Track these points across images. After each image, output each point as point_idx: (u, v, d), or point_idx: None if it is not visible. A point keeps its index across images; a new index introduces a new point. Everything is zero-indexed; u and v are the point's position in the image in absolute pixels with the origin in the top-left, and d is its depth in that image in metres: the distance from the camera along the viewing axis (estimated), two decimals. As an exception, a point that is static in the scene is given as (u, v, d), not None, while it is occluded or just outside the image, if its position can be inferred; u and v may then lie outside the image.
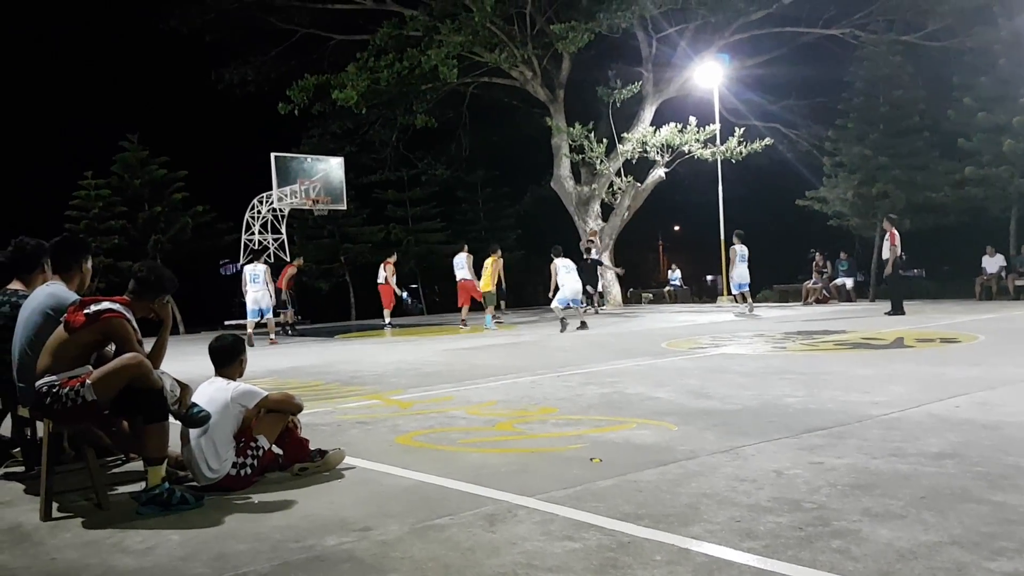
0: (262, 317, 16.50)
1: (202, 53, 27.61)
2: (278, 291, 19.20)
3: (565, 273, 15.05)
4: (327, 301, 31.52)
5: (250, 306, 16.34)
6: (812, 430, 5.10)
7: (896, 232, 15.77)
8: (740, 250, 18.80)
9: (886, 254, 15.97)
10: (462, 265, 18.82)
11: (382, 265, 20.26)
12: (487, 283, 17.90)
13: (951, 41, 22.57)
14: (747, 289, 18.86)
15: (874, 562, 2.86)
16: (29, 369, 4.20)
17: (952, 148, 22.56)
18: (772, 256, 38.91)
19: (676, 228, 49.98)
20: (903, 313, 15.42)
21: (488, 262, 17.89)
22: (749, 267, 18.88)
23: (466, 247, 19.59)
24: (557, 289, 15.11)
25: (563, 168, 25.19)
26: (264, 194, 24.08)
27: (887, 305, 16.12)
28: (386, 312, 20.49)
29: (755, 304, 20.57)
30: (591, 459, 4.61)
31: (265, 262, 18.07)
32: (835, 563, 2.87)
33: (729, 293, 25.91)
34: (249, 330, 16.19)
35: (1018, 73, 21.12)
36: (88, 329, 4.04)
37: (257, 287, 16.39)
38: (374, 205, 33.00)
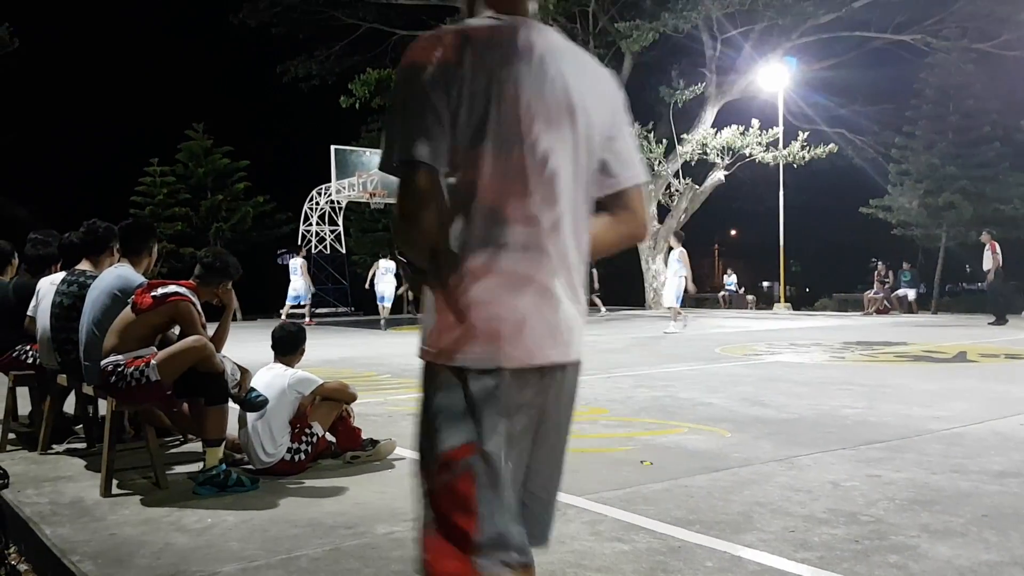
0: (299, 304, 18.99)
1: (269, 46, 28.12)
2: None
3: (381, 275, 16.73)
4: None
5: (290, 293, 19.04)
6: (870, 442, 4.99)
7: (996, 243, 16.07)
8: (679, 255, 14.73)
9: (987, 265, 16.15)
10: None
11: None
12: None
13: (1027, 51, 21.86)
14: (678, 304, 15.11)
15: (933, 580, 2.80)
16: (95, 348, 4.31)
17: (1024, 160, 21.91)
18: (833, 264, 38.27)
19: (733, 233, 49.38)
20: (1006, 323, 15.71)
21: None
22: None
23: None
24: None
25: (620, 168, 25.03)
26: (323, 186, 24.45)
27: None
28: None
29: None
30: (642, 462, 4.58)
31: (306, 255, 19.89)
32: (892, 579, 2.81)
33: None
34: (283, 312, 18.90)
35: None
36: (155, 311, 4.14)
37: (296, 277, 18.88)
38: (429, 200, 33.21)
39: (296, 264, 19.11)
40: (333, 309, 24.12)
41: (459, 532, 1.57)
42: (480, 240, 1.60)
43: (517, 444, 1.66)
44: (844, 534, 3.27)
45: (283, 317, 19.04)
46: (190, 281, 4.37)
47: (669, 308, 15.24)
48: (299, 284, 18.93)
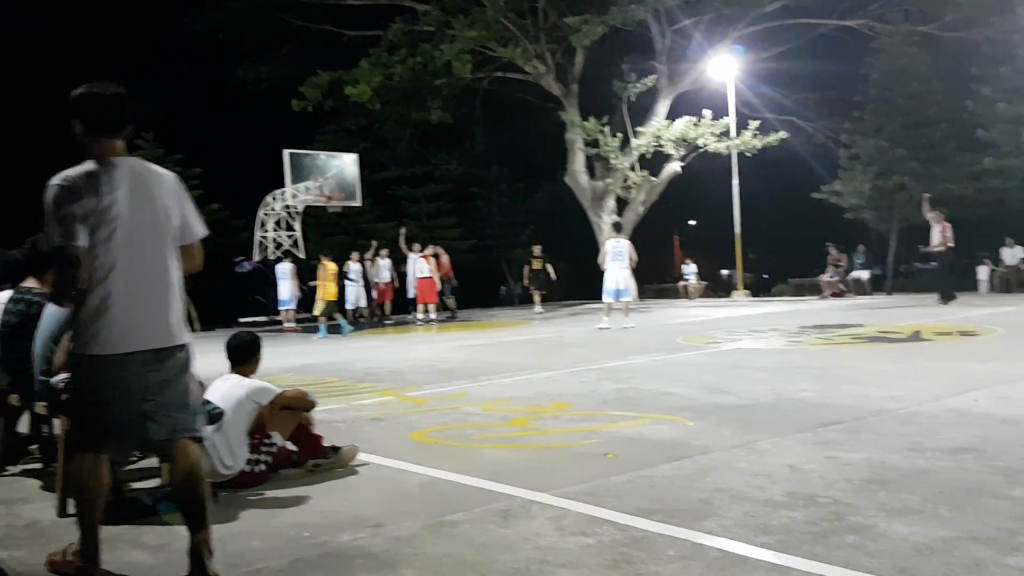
0: (287, 308, 19.39)
1: (216, 51, 27.70)
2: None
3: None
4: (340, 299, 31.59)
5: (280, 297, 19.43)
6: (827, 424, 5.07)
7: (948, 223, 16.31)
8: (616, 246, 14.29)
9: (935, 241, 16.38)
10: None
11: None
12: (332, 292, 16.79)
13: (969, 31, 22.27)
14: (629, 297, 14.53)
15: (890, 557, 2.84)
16: (51, 364, 4.23)
17: (970, 140, 22.35)
18: (788, 250, 38.75)
19: (691, 223, 49.73)
20: (955, 298, 16.03)
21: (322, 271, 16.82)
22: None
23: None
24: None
25: (577, 163, 25.12)
26: (278, 191, 24.17)
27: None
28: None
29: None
30: (605, 455, 4.60)
31: (293, 260, 19.72)
32: (851, 558, 2.85)
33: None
34: (285, 319, 19.34)
35: (1037, 63, 20.91)
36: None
37: (284, 282, 19.23)
38: (388, 202, 33.03)
39: (285, 269, 19.48)
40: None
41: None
42: (104, 283, 2.89)
43: (136, 392, 2.94)
44: (803, 517, 3.32)
45: (289, 324, 19.31)
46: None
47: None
48: (287, 288, 19.31)
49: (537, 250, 21.82)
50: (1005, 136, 21.28)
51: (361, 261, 19.77)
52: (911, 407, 5.52)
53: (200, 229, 3.20)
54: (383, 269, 20.34)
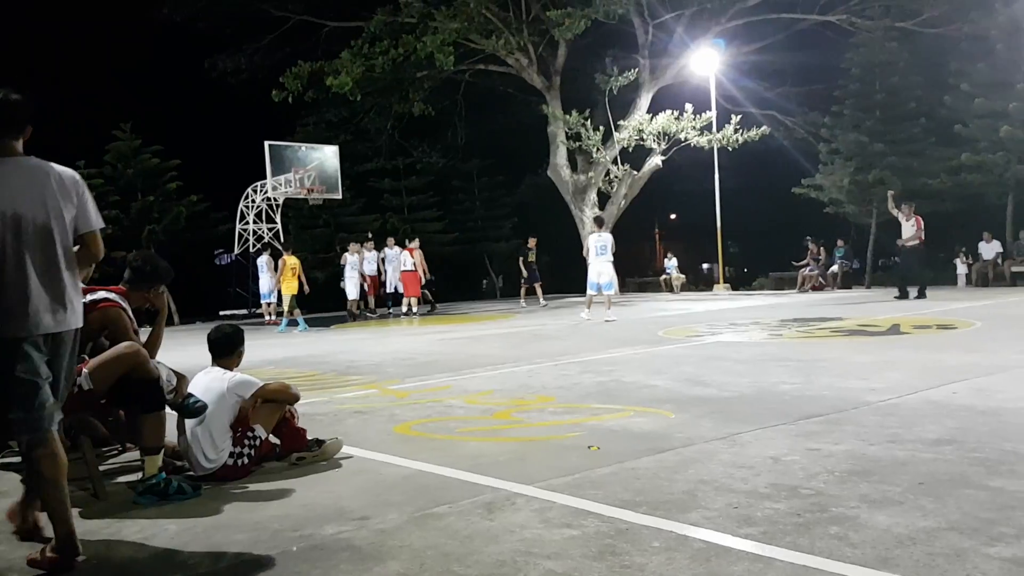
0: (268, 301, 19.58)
1: (196, 41, 27.47)
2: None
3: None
4: (323, 291, 31.48)
5: (261, 290, 19.72)
6: (809, 417, 5.10)
7: (920, 217, 16.34)
8: (598, 240, 14.35)
9: (907, 234, 16.36)
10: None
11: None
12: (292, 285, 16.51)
13: (948, 27, 22.47)
14: (611, 291, 14.48)
15: (872, 548, 2.86)
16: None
17: (948, 135, 22.53)
18: (768, 244, 38.97)
19: (672, 216, 49.85)
20: (909, 296, 16.04)
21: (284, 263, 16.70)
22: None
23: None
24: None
25: (559, 156, 25.11)
26: (258, 183, 24.01)
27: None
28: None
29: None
30: (589, 447, 4.60)
31: (272, 253, 19.73)
32: (833, 549, 2.87)
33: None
34: (265, 312, 19.72)
35: (1015, 59, 21.08)
36: (85, 318, 4.01)
37: (264, 275, 19.43)
38: (369, 194, 32.89)
39: (263, 261, 19.70)
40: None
41: None
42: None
43: (41, 370, 3.13)
44: (786, 508, 3.34)
45: (269, 317, 19.40)
46: (120, 286, 4.26)
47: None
48: (265, 281, 19.49)
49: (532, 242, 21.68)
50: (982, 131, 21.47)
51: (359, 252, 19.72)
52: (891, 399, 5.57)
53: (96, 222, 3.38)
54: (369, 261, 20.28)
